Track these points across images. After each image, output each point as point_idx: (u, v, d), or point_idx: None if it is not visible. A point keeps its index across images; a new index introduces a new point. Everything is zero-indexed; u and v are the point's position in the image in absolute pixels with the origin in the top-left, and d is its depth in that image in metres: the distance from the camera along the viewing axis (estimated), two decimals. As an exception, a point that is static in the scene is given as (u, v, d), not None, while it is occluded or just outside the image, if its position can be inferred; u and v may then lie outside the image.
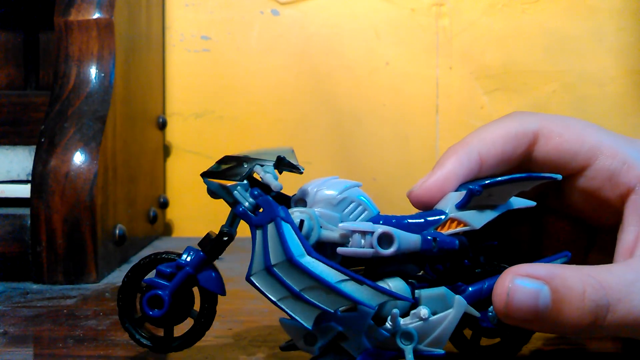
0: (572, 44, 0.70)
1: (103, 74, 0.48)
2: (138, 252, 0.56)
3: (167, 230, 0.69)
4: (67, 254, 0.43)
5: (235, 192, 0.25)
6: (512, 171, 0.27)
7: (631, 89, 0.71)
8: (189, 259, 0.26)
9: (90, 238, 0.43)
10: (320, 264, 0.23)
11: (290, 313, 0.24)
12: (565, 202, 0.28)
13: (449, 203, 0.25)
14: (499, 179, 0.25)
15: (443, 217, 0.25)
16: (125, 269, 0.49)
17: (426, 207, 0.26)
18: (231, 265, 0.51)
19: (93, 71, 0.48)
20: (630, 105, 0.71)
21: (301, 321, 0.24)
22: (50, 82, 0.54)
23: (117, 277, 0.46)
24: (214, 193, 0.26)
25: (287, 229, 0.24)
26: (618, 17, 0.70)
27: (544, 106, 0.70)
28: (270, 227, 0.24)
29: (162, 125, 0.66)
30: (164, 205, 0.66)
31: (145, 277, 0.27)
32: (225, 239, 0.27)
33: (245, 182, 0.25)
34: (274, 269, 0.24)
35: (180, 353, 0.30)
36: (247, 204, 0.25)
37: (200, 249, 0.27)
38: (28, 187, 0.44)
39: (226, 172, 0.26)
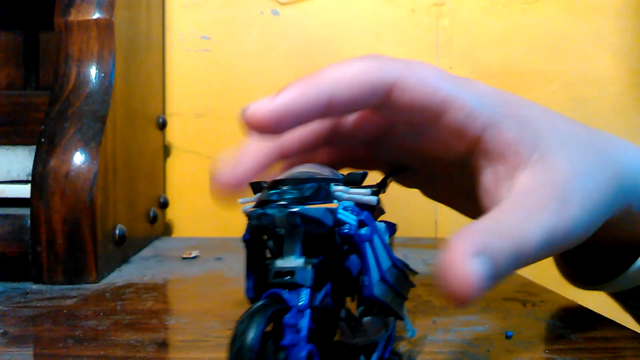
0: (572, 44, 0.70)
1: (103, 74, 0.48)
2: (138, 252, 0.56)
3: (167, 230, 0.69)
4: (67, 254, 0.43)
5: (340, 214, 0.23)
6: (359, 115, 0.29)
7: (631, 89, 0.71)
8: (301, 301, 0.22)
9: (90, 238, 0.43)
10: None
11: (397, 311, 0.25)
12: (418, 152, 0.30)
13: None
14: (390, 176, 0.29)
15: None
16: (125, 269, 0.49)
17: (263, 132, 0.25)
18: (231, 265, 0.51)
19: (93, 71, 0.48)
20: (630, 105, 0.71)
21: (403, 315, 0.25)
22: (50, 82, 0.54)
23: (117, 277, 0.46)
24: (311, 220, 0.22)
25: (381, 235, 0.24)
26: (618, 17, 0.70)
27: (544, 106, 0.70)
28: (375, 239, 0.24)
29: (162, 125, 0.66)
30: (164, 205, 0.66)
31: (283, 340, 0.21)
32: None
33: (338, 201, 0.24)
34: (386, 275, 0.24)
35: (182, 354, 0.30)
36: (354, 222, 0.23)
37: (305, 285, 0.23)
38: (28, 187, 0.44)
39: (311, 197, 0.23)
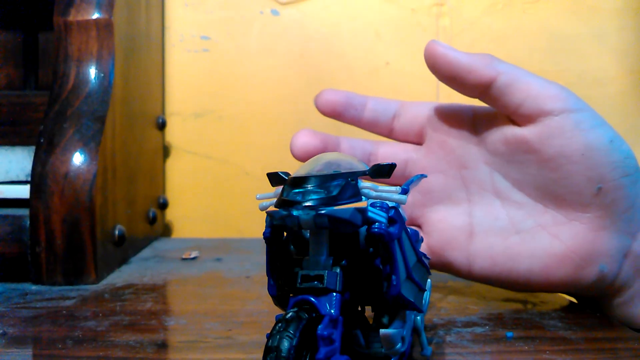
0: (572, 44, 0.70)
1: (102, 74, 0.48)
2: (137, 252, 0.56)
3: (167, 230, 0.69)
4: (67, 254, 0.43)
5: (370, 213, 0.22)
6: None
7: (631, 89, 0.71)
8: (333, 309, 0.22)
9: (90, 239, 0.43)
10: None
11: (418, 306, 0.24)
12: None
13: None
14: (414, 179, 0.28)
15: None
16: (124, 269, 0.49)
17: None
18: (230, 266, 0.51)
19: (92, 71, 0.48)
20: (630, 105, 0.71)
21: (424, 309, 0.25)
22: (49, 82, 0.54)
23: (116, 277, 0.46)
24: (340, 221, 0.22)
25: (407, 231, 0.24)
26: (618, 17, 0.70)
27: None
28: (403, 235, 0.23)
29: (162, 126, 0.66)
30: (164, 205, 0.66)
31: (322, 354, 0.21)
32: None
33: (363, 198, 0.23)
34: (412, 272, 0.24)
35: (182, 355, 0.30)
36: (384, 220, 0.23)
37: (335, 290, 0.22)
38: (27, 187, 0.44)
39: (338, 196, 0.22)
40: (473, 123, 0.36)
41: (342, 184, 0.22)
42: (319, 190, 0.22)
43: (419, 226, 0.38)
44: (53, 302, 0.39)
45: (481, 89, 0.34)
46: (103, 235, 0.45)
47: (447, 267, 0.37)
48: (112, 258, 0.48)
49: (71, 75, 0.48)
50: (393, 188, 0.23)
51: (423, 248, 0.36)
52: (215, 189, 0.69)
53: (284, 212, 0.22)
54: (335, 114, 0.38)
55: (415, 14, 0.70)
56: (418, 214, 0.38)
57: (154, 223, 0.62)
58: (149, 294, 0.41)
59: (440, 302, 0.38)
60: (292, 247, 0.25)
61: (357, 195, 0.23)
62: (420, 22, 0.70)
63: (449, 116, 0.37)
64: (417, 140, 0.39)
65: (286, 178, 0.24)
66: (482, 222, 0.35)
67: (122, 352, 0.29)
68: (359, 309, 0.25)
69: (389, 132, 0.39)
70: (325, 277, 0.22)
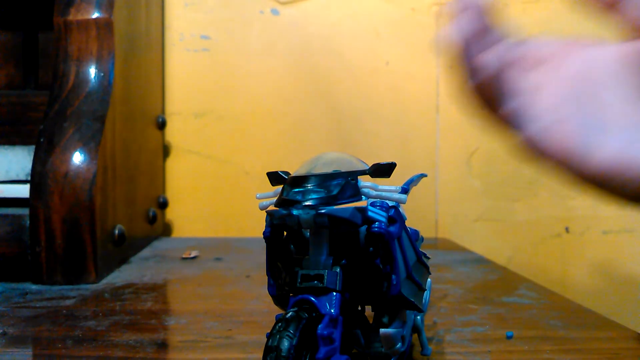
0: (572, 44, 0.70)
1: (102, 74, 0.48)
2: (137, 252, 0.56)
3: (167, 230, 0.69)
4: (66, 254, 0.43)
5: (370, 212, 0.23)
6: None
7: (631, 89, 0.71)
8: (333, 308, 0.22)
9: (90, 238, 0.43)
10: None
11: (418, 306, 0.24)
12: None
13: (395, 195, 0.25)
14: (414, 178, 0.29)
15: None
16: (124, 269, 0.49)
17: None
18: (230, 266, 0.51)
19: (92, 71, 0.48)
20: (630, 105, 0.71)
21: (424, 308, 0.25)
22: (49, 81, 0.54)
23: (116, 277, 0.46)
24: (340, 221, 0.22)
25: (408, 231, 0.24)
26: (618, 17, 0.70)
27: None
28: (403, 234, 0.23)
29: (162, 125, 0.66)
30: (164, 205, 0.66)
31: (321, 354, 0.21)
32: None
33: (363, 197, 0.23)
34: (412, 272, 0.24)
35: (182, 354, 0.30)
36: (384, 219, 0.23)
37: (335, 289, 0.22)
38: (27, 187, 0.44)
39: (338, 195, 0.22)
40: None
41: (342, 183, 0.22)
42: (319, 189, 0.22)
43: None
44: (53, 302, 0.39)
45: None
46: (103, 234, 0.45)
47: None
48: (112, 258, 0.48)
49: (71, 75, 0.48)
50: (393, 187, 0.23)
51: None
52: (215, 189, 0.69)
53: (284, 212, 0.22)
54: None
55: (415, 13, 0.70)
56: None
57: (154, 222, 0.62)
58: (149, 293, 0.41)
59: (440, 302, 0.38)
60: (292, 246, 0.25)
61: (357, 194, 0.23)
62: (420, 22, 0.70)
63: None
64: None
65: (286, 177, 0.24)
66: None
67: (122, 351, 0.29)
68: (359, 308, 0.25)
69: None
70: (325, 277, 0.22)
